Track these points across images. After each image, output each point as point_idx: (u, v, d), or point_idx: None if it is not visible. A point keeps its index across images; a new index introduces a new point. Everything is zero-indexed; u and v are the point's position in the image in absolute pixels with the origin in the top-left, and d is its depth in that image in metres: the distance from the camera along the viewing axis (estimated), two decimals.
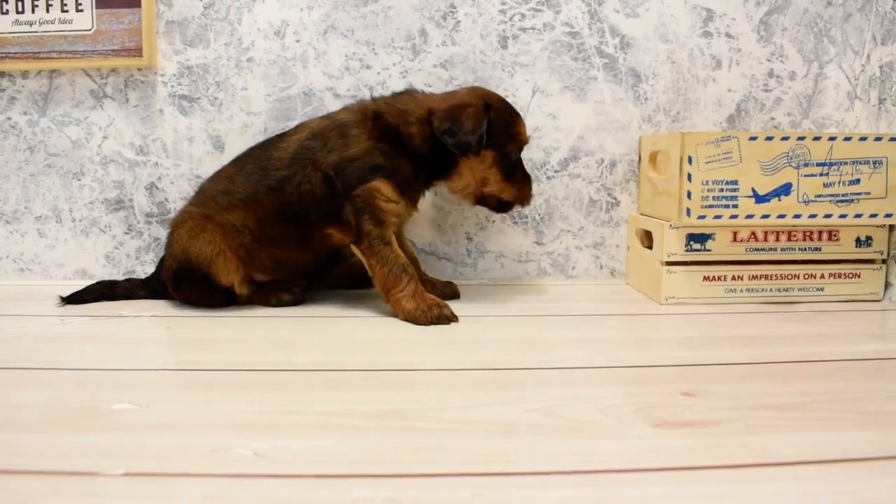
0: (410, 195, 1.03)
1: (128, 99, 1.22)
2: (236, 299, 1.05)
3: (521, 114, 1.03)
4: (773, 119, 1.22)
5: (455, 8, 1.19)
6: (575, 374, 0.73)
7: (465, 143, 0.97)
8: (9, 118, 1.23)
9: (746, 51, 1.20)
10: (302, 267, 1.07)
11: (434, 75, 1.19)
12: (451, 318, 0.96)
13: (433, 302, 0.97)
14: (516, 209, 1.12)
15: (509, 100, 1.11)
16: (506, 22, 1.19)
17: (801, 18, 1.20)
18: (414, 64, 1.16)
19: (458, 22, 1.19)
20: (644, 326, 0.95)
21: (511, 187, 1.05)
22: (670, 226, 1.05)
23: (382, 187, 0.98)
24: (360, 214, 0.97)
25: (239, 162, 1.07)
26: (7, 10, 1.20)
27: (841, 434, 0.57)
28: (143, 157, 1.23)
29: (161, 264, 1.09)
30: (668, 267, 1.06)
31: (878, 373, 0.73)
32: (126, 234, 1.24)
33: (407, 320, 0.96)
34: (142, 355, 0.81)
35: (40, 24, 1.20)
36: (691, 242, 1.06)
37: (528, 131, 1.06)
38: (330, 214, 1.00)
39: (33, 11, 1.20)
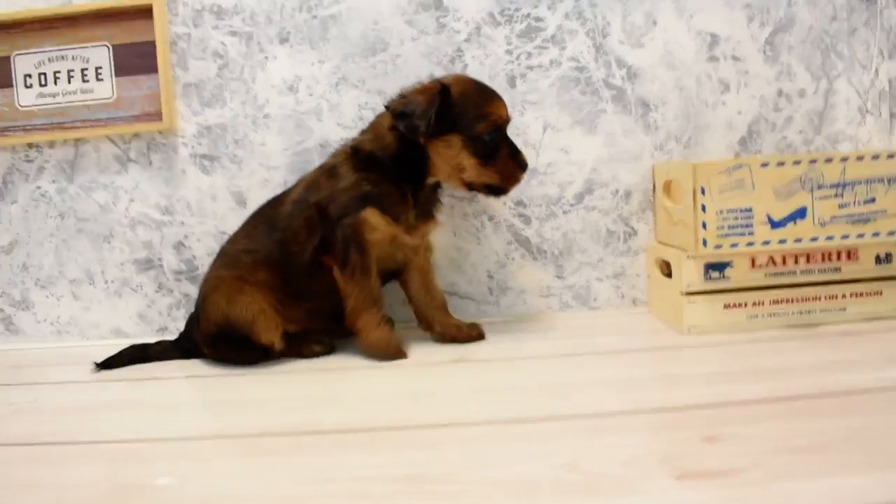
0: (407, 213, 1.04)
1: (151, 162, 1.26)
2: (271, 354, 1.07)
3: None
4: (785, 138, 1.22)
5: (462, 52, 1.21)
6: (599, 422, 0.74)
7: (414, 126, 0.99)
8: (38, 187, 1.28)
9: (754, 72, 1.21)
10: (329, 312, 1.09)
11: None
12: (405, 355, 1.03)
13: (393, 339, 1.04)
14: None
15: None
16: (513, 62, 1.21)
17: (806, 35, 1.21)
18: None
19: (466, 65, 1.21)
20: (667, 361, 0.96)
21: (489, 170, 1.02)
22: (687, 256, 1.06)
23: (370, 217, 1.01)
24: (347, 242, 1.02)
25: (252, 221, 1.11)
26: (31, 84, 1.25)
27: (860, 479, 0.58)
28: (168, 216, 1.27)
29: (190, 325, 1.12)
30: (688, 297, 1.07)
31: None
32: (157, 292, 1.28)
33: (367, 353, 1.04)
34: (180, 421, 0.84)
35: (63, 94, 1.25)
36: (710, 271, 1.06)
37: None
38: (324, 242, 1.03)
39: (55, 83, 1.25)
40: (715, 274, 1.06)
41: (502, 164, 1.03)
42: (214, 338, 1.06)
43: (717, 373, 0.88)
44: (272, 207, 1.10)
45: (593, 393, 0.83)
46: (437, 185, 1.10)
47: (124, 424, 0.83)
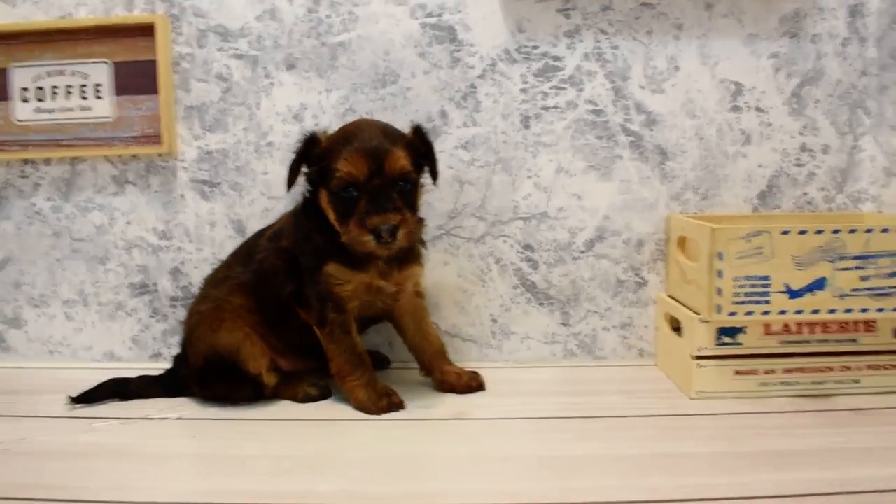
0: (365, 258, 0.97)
1: (149, 184, 1.22)
2: (263, 391, 1.04)
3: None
4: (805, 194, 1.18)
5: (475, 88, 1.17)
6: None
7: (287, 179, 0.99)
8: (33, 204, 1.24)
9: (777, 124, 1.16)
10: (308, 347, 1.05)
11: (455, 156, 1.17)
12: (399, 406, 0.99)
13: (383, 391, 1.00)
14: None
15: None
16: (528, 101, 1.17)
17: (834, 89, 1.16)
18: (435, 146, 1.13)
19: (479, 102, 1.17)
20: (673, 434, 0.92)
21: (343, 231, 0.95)
22: (700, 320, 1.02)
23: (332, 270, 0.98)
24: (323, 301, 0.99)
25: (230, 256, 1.11)
26: (28, 98, 1.21)
27: None
28: (166, 241, 1.23)
29: (176, 362, 1.09)
30: (697, 361, 1.03)
31: None
32: (152, 317, 1.25)
33: (358, 409, 0.99)
34: (167, 480, 0.80)
35: (62, 111, 1.21)
36: (722, 336, 1.03)
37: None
38: (296, 294, 1.01)
39: (53, 99, 1.21)
40: (727, 339, 1.03)
41: (352, 226, 0.93)
42: (202, 372, 1.03)
43: (724, 455, 0.84)
44: (251, 241, 1.10)
45: (595, 475, 0.80)
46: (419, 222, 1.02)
47: (111, 479, 0.80)
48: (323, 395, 1.06)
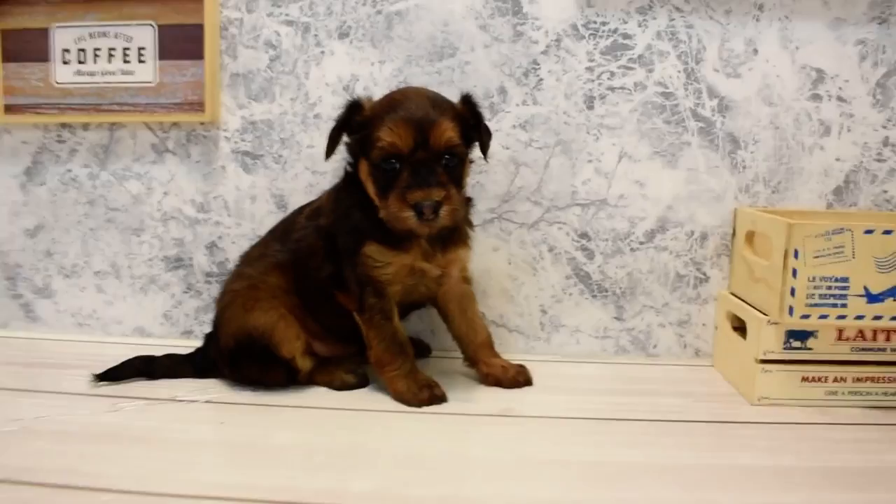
0: (414, 239, 0.92)
1: (189, 154, 1.17)
2: (297, 376, 0.98)
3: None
4: (885, 192, 1.10)
5: (538, 64, 1.10)
6: None
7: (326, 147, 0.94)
8: (69, 170, 1.19)
9: (860, 116, 1.09)
10: (347, 331, 0.99)
11: (513, 136, 1.11)
12: (441, 399, 0.94)
13: (425, 383, 0.94)
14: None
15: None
16: (593, 80, 1.10)
17: None
18: (491, 124, 1.07)
19: (541, 80, 1.10)
20: (735, 443, 0.85)
21: (383, 205, 0.89)
22: (769, 322, 0.95)
23: (372, 251, 0.93)
24: (363, 285, 0.93)
25: (267, 234, 1.06)
26: (69, 60, 1.16)
27: None
28: (203, 214, 1.18)
29: (207, 341, 1.04)
30: (763, 365, 0.96)
31: None
32: (185, 293, 1.20)
33: (398, 401, 0.94)
34: (191, 470, 0.75)
35: (102, 74, 1.16)
36: (791, 340, 0.96)
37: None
38: (335, 277, 0.96)
39: (95, 62, 1.16)
40: (796, 343, 0.96)
41: (391, 201, 0.88)
42: (233, 354, 0.98)
43: (790, 469, 0.77)
44: (290, 217, 1.05)
45: (648, 484, 0.73)
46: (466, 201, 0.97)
47: (131, 466, 0.75)
48: (360, 384, 1.00)
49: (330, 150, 0.93)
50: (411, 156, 0.87)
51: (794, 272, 0.92)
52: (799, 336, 0.96)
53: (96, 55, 1.15)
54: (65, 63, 1.16)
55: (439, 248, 0.95)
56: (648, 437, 0.86)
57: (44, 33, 1.16)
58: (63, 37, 1.15)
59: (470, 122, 0.93)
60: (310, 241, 0.98)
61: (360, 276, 0.93)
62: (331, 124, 0.93)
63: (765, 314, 0.97)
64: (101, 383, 0.99)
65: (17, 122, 1.18)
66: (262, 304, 0.97)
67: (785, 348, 0.96)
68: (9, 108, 1.18)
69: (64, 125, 1.18)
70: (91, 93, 1.16)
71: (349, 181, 0.97)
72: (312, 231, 0.98)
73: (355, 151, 0.94)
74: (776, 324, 0.95)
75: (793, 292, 0.92)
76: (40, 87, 1.17)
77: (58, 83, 1.16)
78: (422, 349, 1.13)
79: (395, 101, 0.90)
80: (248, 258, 1.05)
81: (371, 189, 0.91)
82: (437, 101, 0.91)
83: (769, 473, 0.77)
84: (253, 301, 0.97)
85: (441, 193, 0.86)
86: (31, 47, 1.16)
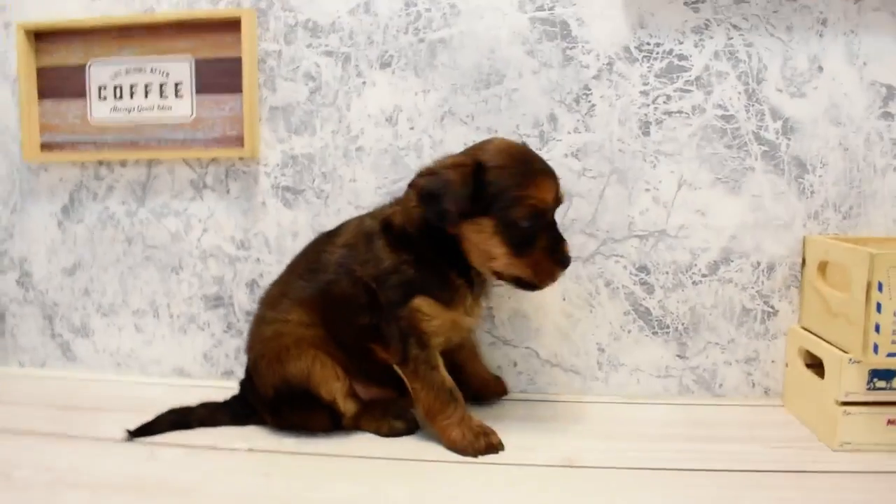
0: (459, 295, 0.92)
1: (229, 190, 1.13)
2: (341, 420, 0.94)
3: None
4: None
5: (589, 90, 1.05)
6: None
7: (441, 212, 0.86)
8: (107, 207, 1.17)
9: None
10: (380, 374, 0.95)
11: (565, 165, 1.06)
12: (497, 447, 0.89)
13: (480, 430, 0.90)
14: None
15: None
16: (648, 105, 1.04)
17: None
18: (542, 154, 1.01)
19: (593, 105, 1.05)
20: (820, 498, 0.77)
21: (521, 263, 0.88)
22: (850, 361, 0.88)
23: (423, 306, 0.90)
24: (406, 337, 0.90)
25: (290, 267, 1.02)
26: (105, 96, 1.14)
27: None
28: (244, 251, 1.14)
29: (243, 387, 1.00)
30: (844, 407, 0.89)
31: None
32: (225, 332, 1.16)
33: (452, 450, 0.89)
34: None
35: (139, 110, 1.14)
36: (874, 379, 0.89)
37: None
38: (373, 328, 0.92)
39: (132, 97, 1.13)
40: (881, 383, 0.89)
41: (538, 258, 0.88)
42: (274, 403, 0.95)
43: None
44: (311, 252, 1.00)
45: None
46: None
47: None
48: (410, 430, 0.95)
49: (459, 216, 0.87)
50: (548, 212, 0.90)
51: (879, 306, 0.85)
52: (884, 375, 0.89)
53: (133, 91, 1.13)
54: (101, 99, 1.14)
55: (477, 302, 0.96)
56: (725, 489, 0.79)
57: (81, 70, 1.14)
58: (99, 73, 1.14)
59: None
60: (343, 288, 0.93)
61: (402, 329, 0.90)
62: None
63: (845, 352, 0.90)
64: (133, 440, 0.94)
65: (54, 160, 1.16)
66: (293, 351, 0.94)
67: (868, 389, 0.89)
68: (46, 146, 1.16)
69: (101, 162, 1.16)
70: (128, 129, 1.14)
71: (399, 234, 0.92)
72: (346, 278, 0.93)
73: (467, 210, 0.87)
74: (859, 362, 0.88)
75: (878, 328, 0.86)
76: (77, 123, 1.15)
77: (94, 120, 1.14)
78: (497, 389, 1.09)
79: (518, 158, 0.89)
80: (268, 299, 1.01)
81: (494, 246, 0.88)
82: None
83: None
84: (284, 350, 0.94)
85: None
86: (68, 84, 1.15)
